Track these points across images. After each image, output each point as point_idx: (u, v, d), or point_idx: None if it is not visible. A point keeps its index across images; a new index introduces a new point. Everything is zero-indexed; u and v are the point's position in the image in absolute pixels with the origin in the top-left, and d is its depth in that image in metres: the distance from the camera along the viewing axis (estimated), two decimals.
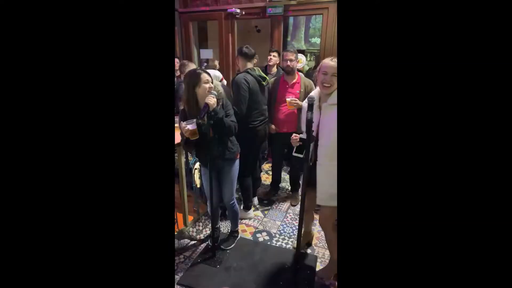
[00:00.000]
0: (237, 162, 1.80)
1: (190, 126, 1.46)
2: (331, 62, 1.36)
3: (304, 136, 1.40)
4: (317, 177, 1.45)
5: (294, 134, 1.45)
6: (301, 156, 1.40)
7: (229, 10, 3.16)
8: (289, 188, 2.70)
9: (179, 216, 2.11)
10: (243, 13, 3.15)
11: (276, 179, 2.62)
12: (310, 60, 5.72)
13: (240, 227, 2.16)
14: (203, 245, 1.98)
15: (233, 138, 1.74)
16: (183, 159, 1.98)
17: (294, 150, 1.44)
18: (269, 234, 2.12)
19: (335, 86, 1.38)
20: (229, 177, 1.79)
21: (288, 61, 2.14)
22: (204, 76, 1.51)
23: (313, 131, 1.33)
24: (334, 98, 1.37)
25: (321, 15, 2.92)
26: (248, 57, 2.05)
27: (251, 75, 2.00)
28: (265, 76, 2.09)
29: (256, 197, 2.54)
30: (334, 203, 1.40)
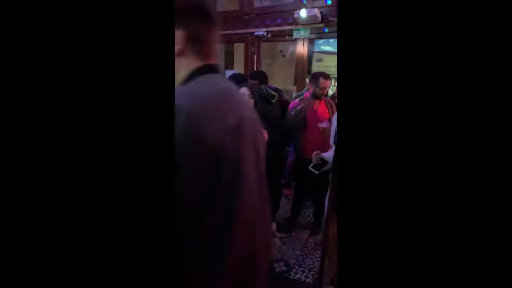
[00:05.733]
0: None
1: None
2: None
3: (327, 155, 1.39)
4: None
5: (317, 151, 1.40)
6: (316, 172, 1.43)
7: (256, 33, 3.22)
8: (311, 215, 2.48)
9: None
10: (269, 35, 3.20)
11: (298, 205, 2.42)
12: (334, 85, 5.60)
13: None
14: None
15: None
16: None
17: (312, 165, 1.43)
18: (287, 264, 1.89)
19: None
20: None
21: (326, 89, 2.14)
22: (243, 89, 1.65)
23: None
24: None
25: None
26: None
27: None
28: (274, 93, 2.15)
29: (274, 223, 2.34)
30: None
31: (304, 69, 3.19)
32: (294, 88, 3.22)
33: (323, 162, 1.40)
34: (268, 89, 2.24)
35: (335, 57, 5.13)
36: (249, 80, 2.46)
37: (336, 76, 5.39)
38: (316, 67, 5.04)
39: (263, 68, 3.82)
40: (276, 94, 2.21)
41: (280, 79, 4.45)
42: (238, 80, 2.24)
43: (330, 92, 4.37)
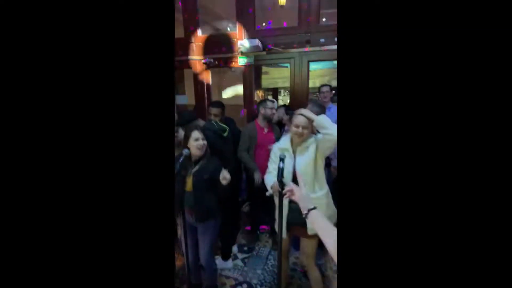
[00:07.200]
0: (216, 223, 1.77)
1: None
2: (301, 118, 1.55)
3: (269, 179, 1.60)
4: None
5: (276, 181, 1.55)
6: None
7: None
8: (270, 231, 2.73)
9: None
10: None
11: (256, 219, 2.63)
12: (284, 95, 5.99)
13: (219, 280, 2.15)
14: None
15: (215, 196, 1.73)
16: None
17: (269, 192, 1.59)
18: (249, 285, 2.13)
19: (307, 134, 1.58)
20: (205, 239, 1.75)
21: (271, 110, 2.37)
22: (195, 133, 1.64)
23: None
24: (306, 141, 1.58)
25: (288, 64, 3.16)
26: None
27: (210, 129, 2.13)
28: (225, 127, 2.24)
29: (236, 244, 2.55)
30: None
31: (252, 87, 3.37)
32: (245, 111, 3.41)
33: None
34: (219, 123, 2.35)
35: (279, 69, 5.47)
36: (198, 120, 2.53)
37: (284, 87, 5.72)
38: (263, 80, 5.31)
39: (214, 86, 3.94)
40: (227, 128, 2.35)
41: (232, 94, 4.62)
42: (188, 118, 2.33)
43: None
